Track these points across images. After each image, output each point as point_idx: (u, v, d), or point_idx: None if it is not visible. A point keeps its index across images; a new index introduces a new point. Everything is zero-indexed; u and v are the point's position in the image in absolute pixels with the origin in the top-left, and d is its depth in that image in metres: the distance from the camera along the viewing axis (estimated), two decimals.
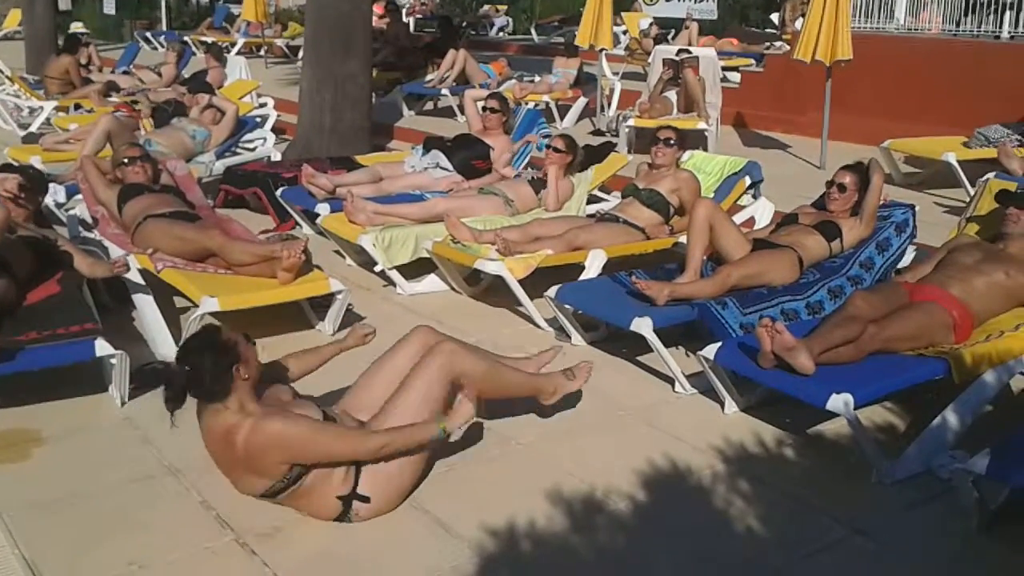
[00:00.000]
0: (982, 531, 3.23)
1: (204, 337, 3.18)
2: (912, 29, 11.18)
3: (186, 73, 12.06)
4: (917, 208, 5.29)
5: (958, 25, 10.73)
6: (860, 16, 11.13)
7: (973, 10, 10.59)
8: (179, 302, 5.12)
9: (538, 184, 6.37)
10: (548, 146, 6.45)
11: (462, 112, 8.93)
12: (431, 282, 5.78)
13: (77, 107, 10.76)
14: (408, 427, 3.25)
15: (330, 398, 3.68)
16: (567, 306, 4.84)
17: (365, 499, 3.19)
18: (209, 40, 17.31)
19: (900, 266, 5.11)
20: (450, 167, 6.85)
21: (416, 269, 5.76)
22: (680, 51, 9.97)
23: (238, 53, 15.75)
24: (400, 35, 14.08)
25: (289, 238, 5.56)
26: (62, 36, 13.25)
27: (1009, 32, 10.28)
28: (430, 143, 7.17)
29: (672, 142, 5.83)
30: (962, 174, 7.51)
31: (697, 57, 9.75)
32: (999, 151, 7.27)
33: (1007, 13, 10.31)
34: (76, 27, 16.52)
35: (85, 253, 4.81)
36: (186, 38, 18.26)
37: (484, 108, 7.18)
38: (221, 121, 8.09)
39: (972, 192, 5.41)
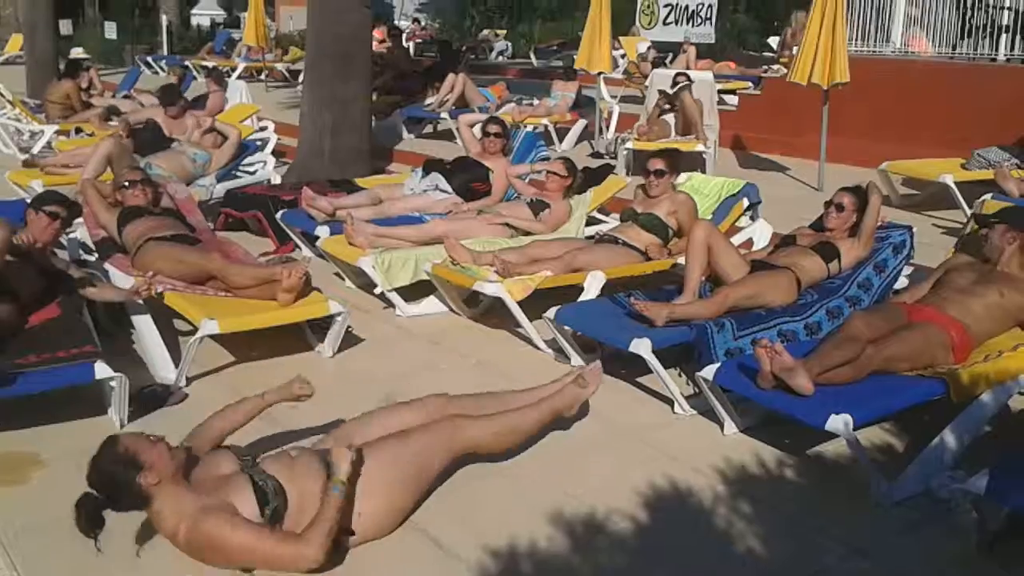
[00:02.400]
0: (981, 551, 3.23)
1: (103, 455, 3.03)
2: (908, 52, 11.25)
3: (188, 97, 12.09)
4: (915, 229, 5.32)
5: (954, 48, 10.79)
6: (857, 39, 11.20)
7: (969, 34, 10.66)
8: (179, 325, 5.12)
9: (537, 206, 6.40)
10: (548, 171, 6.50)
11: (460, 136, 8.96)
12: (430, 304, 5.79)
13: (78, 131, 10.81)
14: (320, 515, 3.00)
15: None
16: (566, 327, 4.84)
17: (350, 532, 3.15)
18: (210, 64, 17.40)
19: (897, 287, 5.13)
20: (449, 189, 6.88)
21: (415, 291, 5.77)
22: (678, 74, 10.03)
23: (239, 77, 15.84)
24: (400, 59, 14.16)
25: (289, 260, 5.60)
26: (63, 61, 13.31)
27: (1005, 55, 10.34)
28: (429, 166, 7.20)
29: (663, 171, 5.82)
30: (959, 196, 7.54)
31: (692, 81, 9.79)
32: (996, 173, 7.31)
33: (1003, 36, 10.37)
34: (77, 52, 16.61)
35: (92, 277, 4.83)
36: (187, 63, 18.37)
37: (486, 133, 7.21)
38: (223, 145, 8.13)
39: (969, 213, 5.43)
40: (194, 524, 2.96)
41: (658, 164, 5.84)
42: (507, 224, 6.25)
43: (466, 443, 3.57)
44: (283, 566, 2.98)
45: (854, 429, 3.52)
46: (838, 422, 3.49)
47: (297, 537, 2.99)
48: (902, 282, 5.16)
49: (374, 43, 11.35)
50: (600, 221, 6.87)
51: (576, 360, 4.92)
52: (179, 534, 2.99)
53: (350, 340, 5.12)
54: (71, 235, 6.03)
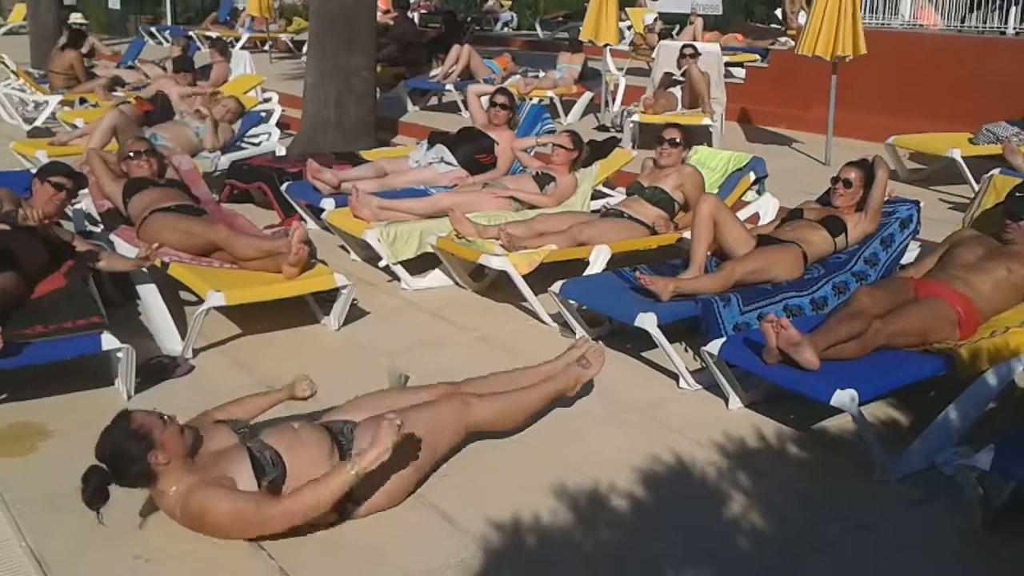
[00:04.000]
0: (986, 527, 3.24)
1: (116, 429, 3.05)
2: (917, 25, 11.16)
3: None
4: (922, 204, 5.29)
5: (963, 21, 10.70)
6: (865, 12, 11.10)
7: (978, 6, 10.56)
8: (185, 296, 5.13)
9: (542, 179, 6.38)
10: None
11: (466, 107, 8.93)
12: (435, 277, 5.79)
13: (82, 101, 10.77)
14: (319, 484, 2.98)
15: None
16: (571, 301, 4.84)
17: (356, 502, 3.18)
18: (213, 35, 17.29)
19: (903, 262, 5.11)
20: (455, 162, 6.85)
21: (421, 264, 5.77)
22: (684, 46, 9.96)
23: (242, 48, 15.75)
24: (405, 30, 14.06)
25: None
26: (67, 30, 13.23)
27: (1015, 28, 10.25)
28: (434, 138, 7.17)
29: (677, 142, 5.79)
30: (967, 170, 7.50)
31: (699, 54, 9.73)
32: (1004, 147, 7.26)
33: (1012, 9, 10.28)
34: (75, 18, 16.48)
35: (99, 248, 4.83)
36: (191, 33, 18.24)
37: (493, 103, 7.17)
38: (217, 127, 8.03)
39: (977, 188, 5.40)
40: (187, 499, 2.99)
41: (673, 133, 5.80)
42: (512, 197, 6.23)
43: (473, 421, 3.59)
44: (268, 529, 3.01)
45: (859, 404, 3.52)
46: (843, 397, 3.49)
47: (287, 501, 2.99)
48: (909, 257, 5.14)
49: (378, 14, 11.27)
50: (606, 195, 6.85)
51: (581, 334, 4.92)
52: (176, 512, 3.03)
53: (355, 313, 5.13)
54: (76, 206, 6.02)
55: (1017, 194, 4.61)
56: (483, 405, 3.63)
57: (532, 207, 6.19)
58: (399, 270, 5.70)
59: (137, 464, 3.00)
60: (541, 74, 11.75)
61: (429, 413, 3.46)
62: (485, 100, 7.43)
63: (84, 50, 11.97)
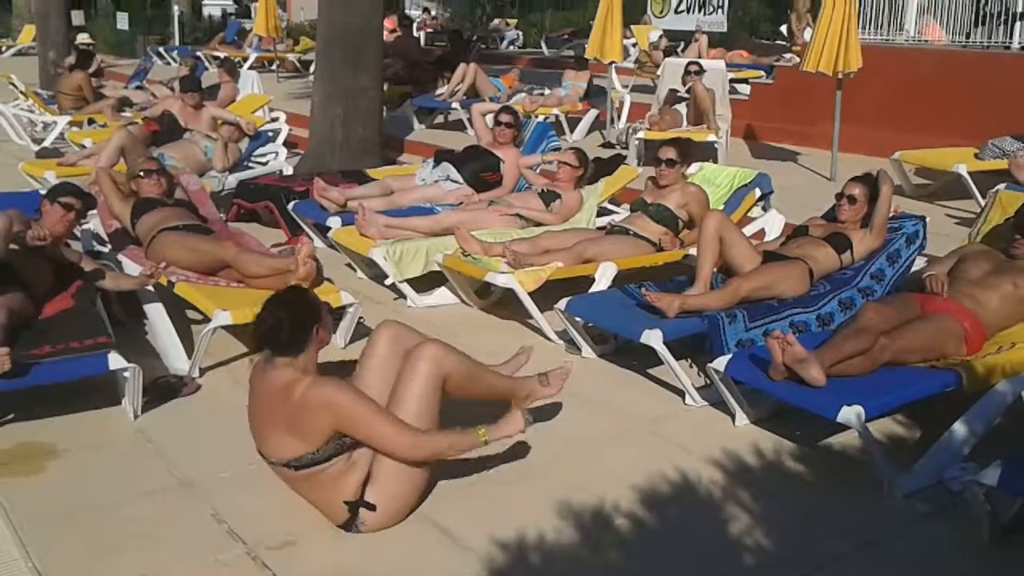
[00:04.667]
0: (993, 543, 3.22)
1: (293, 293, 3.37)
2: (921, 40, 11.18)
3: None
4: (928, 219, 5.29)
5: (968, 37, 10.72)
6: (870, 27, 11.14)
7: (983, 21, 10.58)
8: (192, 315, 5.14)
9: (548, 196, 6.39)
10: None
11: (472, 125, 8.96)
12: (442, 295, 5.80)
13: (91, 122, 10.84)
14: (449, 435, 3.31)
15: None
16: (577, 318, 4.85)
17: (371, 507, 3.21)
18: (221, 55, 17.41)
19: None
20: (461, 180, 6.88)
21: (427, 282, 5.78)
22: (689, 63, 9.99)
23: (250, 68, 15.83)
24: (411, 49, 14.13)
25: None
26: (74, 51, 13.34)
27: (1019, 43, 10.27)
28: (440, 156, 7.20)
29: (674, 161, 5.81)
30: (973, 185, 7.50)
31: (704, 71, 9.75)
32: (1010, 162, 7.25)
33: (1017, 24, 10.30)
34: (82, 39, 16.59)
35: (107, 268, 4.85)
36: (199, 53, 18.39)
37: (498, 122, 7.20)
38: (226, 148, 8.08)
39: (983, 203, 5.40)
40: (317, 380, 3.18)
41: (669, 153, 5.81)
42: (518, 215, 6.25)
43: (446, 372, 3.46)
44: (384, 433, 3.18)
45: (866, 421, 3.51)
46: (850, 414, 3.49)
47: (408, 426, 3.23)
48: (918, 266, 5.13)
49: (385, 33, 11.33)
50: (611, 212, 6.86)
51: (587, 351, 4.93)
52: (298, 387, 3.15)
53: (362, 331, 5.13)
54: (85, 226, 6.06)
55: None
56: (451, 357, 3.51)
57: (538, 224, 6.21)
58: (405, 288, 5.72)
59: (301, 331, 3.23)
60: (546, 91, 11.79)
61: (414, 393, 3.39)
62: (490, 118, 7.46)
63: (91, 70, 12.05)
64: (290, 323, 3.22)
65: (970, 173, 7.59)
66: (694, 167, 6.48)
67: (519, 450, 3.87)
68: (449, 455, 3.34)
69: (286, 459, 3.22)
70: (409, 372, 3.41)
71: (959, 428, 3.67)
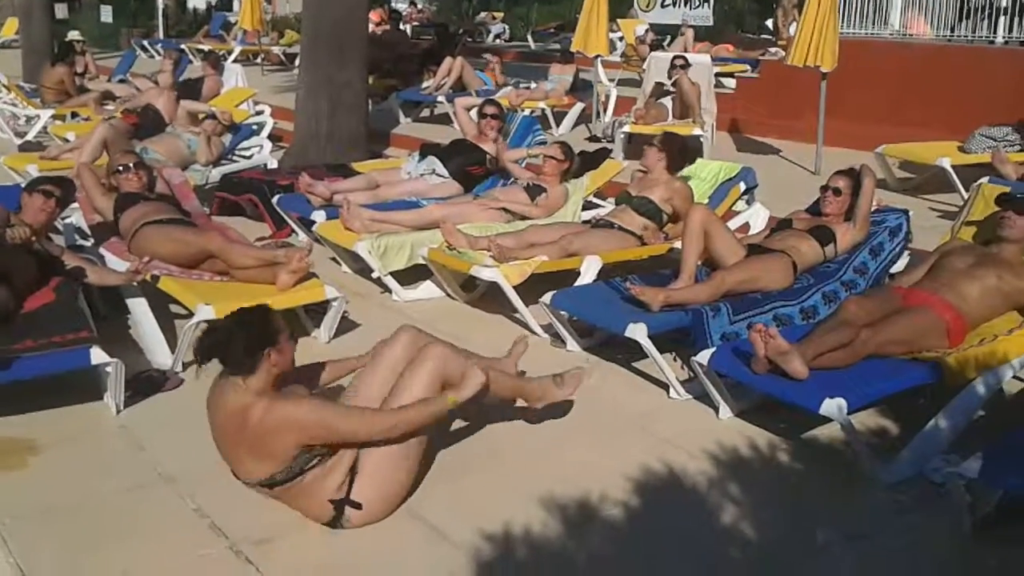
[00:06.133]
0: (975, 534, 3.24)
1: (257, 313, 3.25)
2: (906, 34, 11.21)
3: (184, 80, 12.04)
4: (911, 213, 5.31)
5: (952, 31, 10.76)
6: (855, 21, 11.17)
7: (967, 16, 10.62)
8: (175, 310, 5.12)
9: (533, 190, 6.39)
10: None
11: (456, 119, 8.94)
12: (427, 289, 5.79)
13: (74, 115, 10.77)
14: (418, 403, 3.27)
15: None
16: (562, 312, 4.85)
17: (357, 506, 3.20)
18: (206, 48, 17.33)
19: (893, 271, 5.13)
20: (446, 174, 6.86)
21: (412, 276, 5.77)
22: (675, 57, 10.00)
23: (235, 61, 15.77)
24: (397, 42, 14.09)
25: (286, 246, 5.59)
26: (59, 44, 13.25)
27: (1004, 37, 10.31)
28: (426, 150, 7.18)
29: (654, 143, 5.85)
30: (956, 179, 7.53)
31: (690, 64, 9.76)
32: (993, 156, 7.29)
33: (1001, 18, 10.34)
34: (73, 35, 16.51)
35: (90, 263, 4.82)
36: (183, 46, 18.25)
37: (483, 114, 7.19)
38: (209, 141, 8.04)
39: (966, 197, 5.43)
40: (271, 403, 3.10)
41: (660, 138, 5.91)
42: (503, 209, 6.25)
43: (450, 373, 3.48)
44: (350, 428, 3.16)
45: (848, 413, 3.53)
46: (832, 406, 3.50)
47: (372, 411, 3.25)
48: (899, 266, 5.15)
49: (370, 25, 11.28)
50: (597, 205, 6.86)
51: (572, 344, 4.93)
52: (253, 412, 3.08)
53: (346, 325, 5.12)
54: (67, 220, 6.02)
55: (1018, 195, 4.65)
56: (456, 360, 3.52)
57: (523, 218, 6.21)
58: (390, 281, 5.70)
59: (255, 351, 3.13)
60: (533, 85, 11.79)
61: (414, 387, 3.41)
62: (474, 112, 7.44)
63: (79, 69, 11.98)
64: (240, 341, 3.12)
65: (953, 167, 7.62)
66: None
67: (504, 444, 3.87)
68: (428, 423, 3.29)
69: (259, 480, 3.19)
70: (413, 370, 3.43)
71: (941, 420, 3.70)
